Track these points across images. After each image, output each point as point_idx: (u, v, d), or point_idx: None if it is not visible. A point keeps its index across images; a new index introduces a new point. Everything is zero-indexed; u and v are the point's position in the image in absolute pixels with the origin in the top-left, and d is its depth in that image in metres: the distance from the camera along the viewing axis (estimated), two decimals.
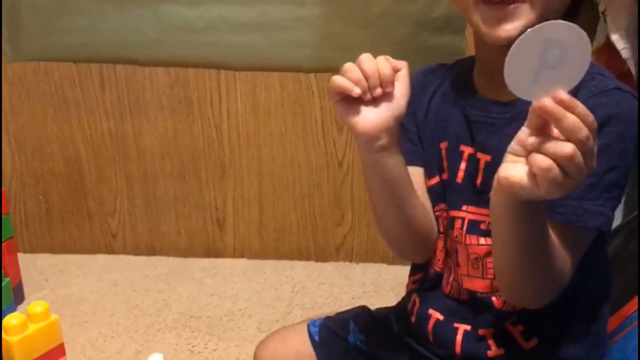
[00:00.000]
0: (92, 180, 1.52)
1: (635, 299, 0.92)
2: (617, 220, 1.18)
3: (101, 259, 1.55)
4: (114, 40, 1.39)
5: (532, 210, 0.56)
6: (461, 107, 0.73)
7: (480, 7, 0.65)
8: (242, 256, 1.53)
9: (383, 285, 1.42)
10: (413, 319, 0.78)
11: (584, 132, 0.49)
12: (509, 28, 0.64)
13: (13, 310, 1.26)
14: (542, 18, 0.63)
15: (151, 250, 1.56)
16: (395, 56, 0.67)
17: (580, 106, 0.49)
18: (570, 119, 0.49)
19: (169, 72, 1.42)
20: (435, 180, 0.76)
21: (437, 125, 0.76)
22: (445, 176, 0.74)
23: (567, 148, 0.49)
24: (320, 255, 1.52)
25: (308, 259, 1.52)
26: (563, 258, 0.63)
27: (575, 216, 0.63)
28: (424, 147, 0.77)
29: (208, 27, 1.36)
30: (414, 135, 0.78)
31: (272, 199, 1.49)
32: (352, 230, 1.50)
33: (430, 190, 0.76)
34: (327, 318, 0.84)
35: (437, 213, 0.76)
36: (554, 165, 0.50)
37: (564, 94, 0.49)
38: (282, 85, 1.40)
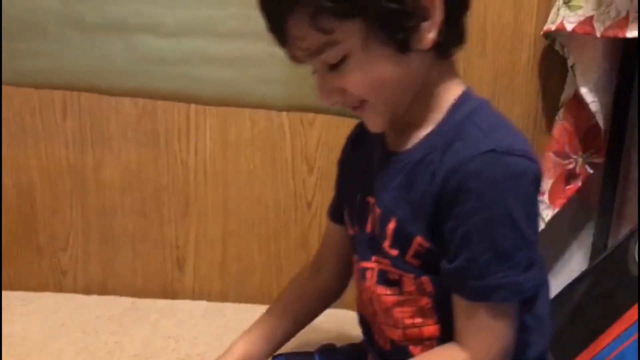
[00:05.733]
0: (44, 213, 1.44)
1: (600, 339, 0.93)
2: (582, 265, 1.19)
3: (49, 297, 1.44)
4: (80, 68, 1.35)
5: None
6: (372, 159, 0.75)
7: None
8: (202, 298, 1.46)
9: (348, 331, 1.36)
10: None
11: None
12: (368, 123, 0.72)
13: None
14: (389, 111, 0.69)
15: (103, 290, 1.47)
16: None
17: None
18: None
19: (136, 103, 1.37)
20: (352, 231, 0.78)
21: (358, 178, 0.78)
22: (357, 228, 0.76)
23: None
24: None
25: (271, 302, 1.46)
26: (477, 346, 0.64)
27: (482, 294, 0.62)
28: (348, 197, 0.80)
29: (180, 60, 1.34)
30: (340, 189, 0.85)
31: (237, 239, 1.44)
32: None
33: (350, 239, 0.80)
34: (291, 353, 0.87)
35: (354, 263, 0.79)
36: None
37: None
38: (252, 122, 1.38)
